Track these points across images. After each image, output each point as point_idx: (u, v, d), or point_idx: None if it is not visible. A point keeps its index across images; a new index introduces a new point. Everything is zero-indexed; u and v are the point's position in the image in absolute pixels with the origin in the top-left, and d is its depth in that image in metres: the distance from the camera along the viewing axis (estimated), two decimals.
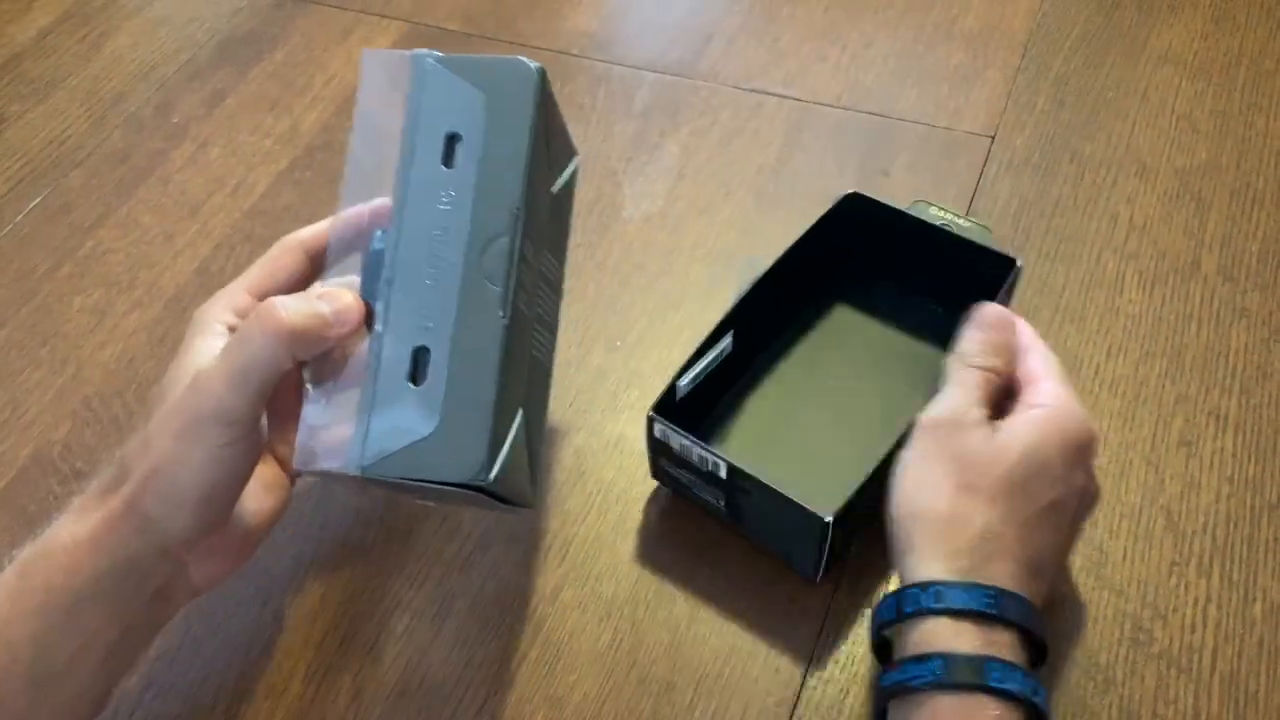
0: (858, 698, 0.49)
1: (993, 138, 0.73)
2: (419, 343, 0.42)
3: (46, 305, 0.68)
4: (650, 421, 0.52)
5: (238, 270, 0.48)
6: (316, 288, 0.46)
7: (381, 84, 0.46)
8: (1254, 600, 0.51)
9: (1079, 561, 0.53)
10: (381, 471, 0.41)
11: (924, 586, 0.42)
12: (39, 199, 0.74)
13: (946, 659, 0.40)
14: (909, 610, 0.42)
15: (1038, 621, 0.42)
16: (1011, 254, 0.57)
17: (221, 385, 0.40)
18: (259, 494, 0.47)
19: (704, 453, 0.50)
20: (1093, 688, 0.49)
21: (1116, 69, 0.76)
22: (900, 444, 0.52)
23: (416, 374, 0.42)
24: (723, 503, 0.52)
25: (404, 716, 0.49)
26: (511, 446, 0.43)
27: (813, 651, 0.50)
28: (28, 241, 0.71)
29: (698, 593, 0.53)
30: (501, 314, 0.42)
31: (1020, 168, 0.71)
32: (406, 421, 0.41)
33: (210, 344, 0.44)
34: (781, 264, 0.58)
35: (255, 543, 0.47)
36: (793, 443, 0.57)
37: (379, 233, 0.44)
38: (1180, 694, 0.48)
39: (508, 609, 0.53)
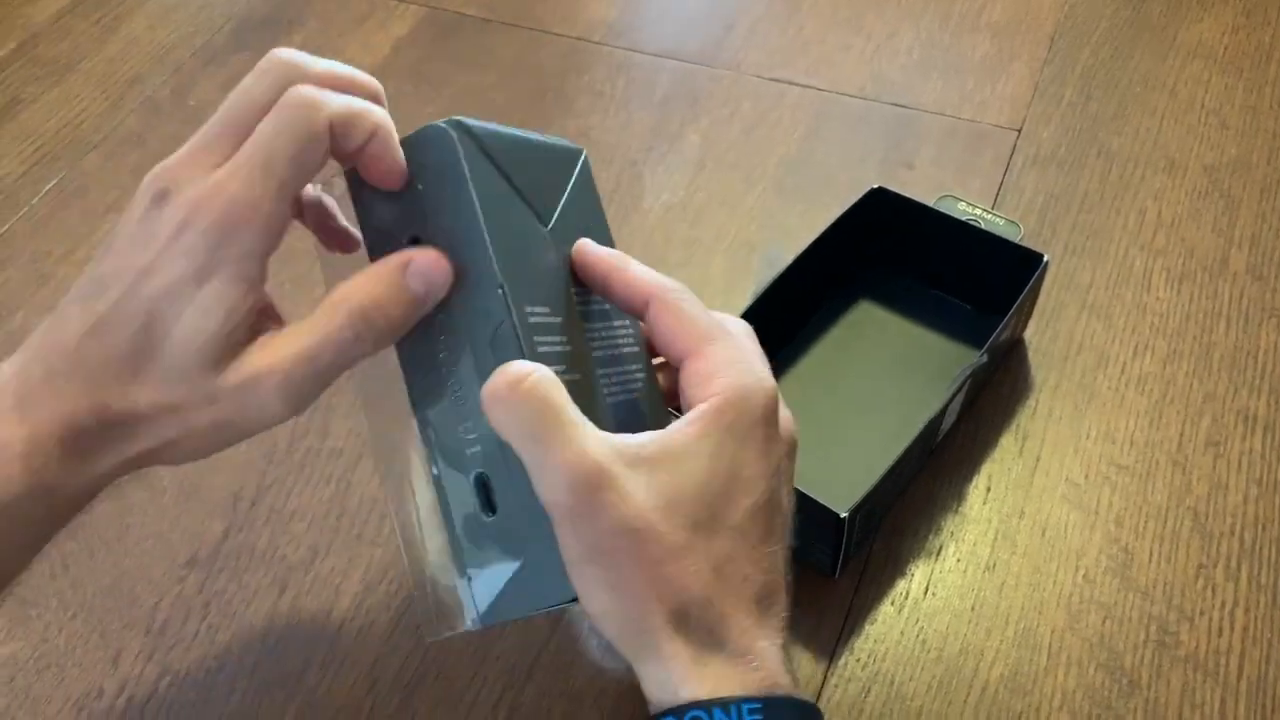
0: (879, 696, 0.48)
1: (1019, 131, 0.72)
2: (477, 470, 0.37)
3: (61, 289, 0.67)
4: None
5: None
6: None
7: None
8: None
9: (1104, 562, 0.52)
10: (497, 618, 0.38)
11: (678, 712, 0.34)
12: (54, 182, 0.73)
13: None
14: None
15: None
16: (1039, 250, 0.56)
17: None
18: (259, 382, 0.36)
19: None
20: (1117, 690, 0.48)
21: (1145, 62, 0.75)
22: (924, 440, 0.51)
23: (487, 503, 0.37)
24: None
25: (420, 708, 0.49)
26: None
27: (834, 649, 0.50)
28: (43, 225, 0.71)
29: None
30: None
31: (1046, 162, 0.70)
32: (496, 559, 0.37)
33: (244, 300, 0.35)
34: (803, 259, 0.57)
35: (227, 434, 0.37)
36: (813, 438, 0.56)
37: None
38: (1207, 698, 0.48)
39: None
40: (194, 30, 0.83)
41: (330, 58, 0.89)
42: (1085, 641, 0.49)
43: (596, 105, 0.76)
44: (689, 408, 0.37)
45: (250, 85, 0.37)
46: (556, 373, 0.36)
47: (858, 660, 0.50)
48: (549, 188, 0.41)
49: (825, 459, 0.55)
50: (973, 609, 0.51)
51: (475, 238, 0.37)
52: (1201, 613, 0.50)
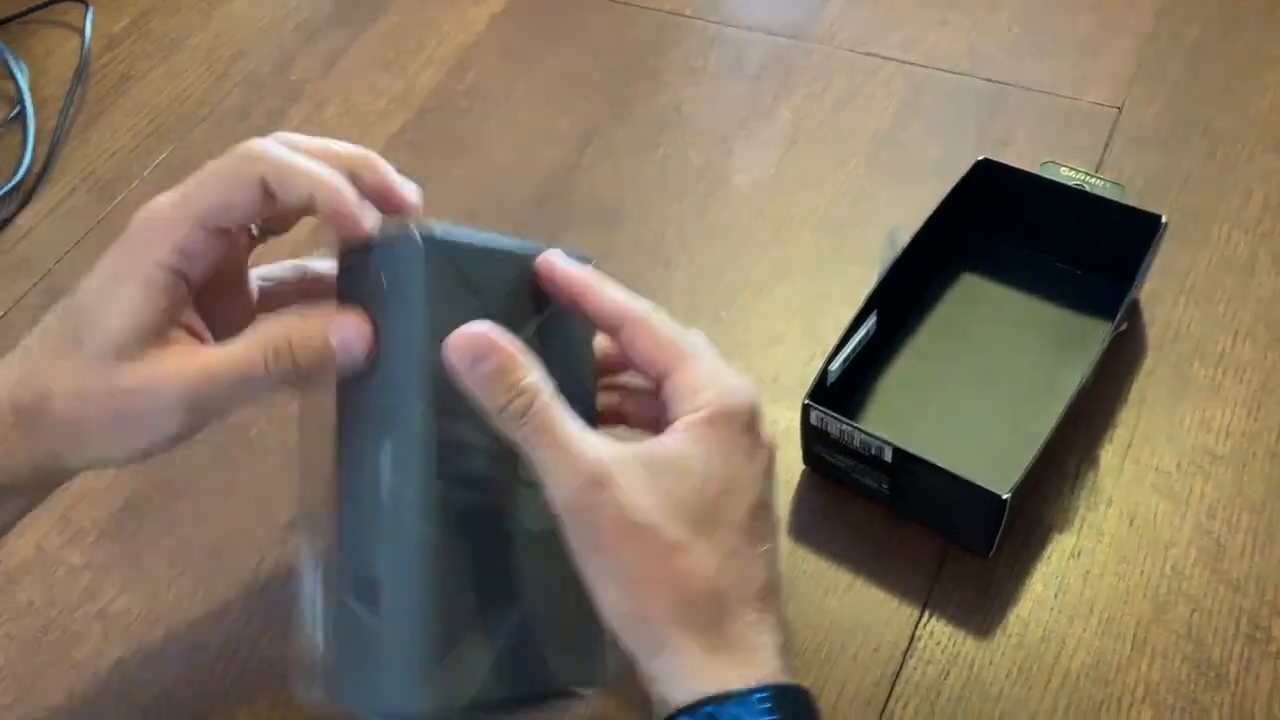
0: (958, 679, 0.48)
1: (1120, 109, 0.70)
2: (363, 573, 0.39)
3: None
4: (806, 409, 0.52)
5: None
6: None
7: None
8: None
9: (1193, 554, 0.51)
10: (349, 706, 0.39)
11: (692, 710, 0.35)
12: (164, 155, 0.76)
13: None
14: None
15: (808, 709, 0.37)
16: (1156, 211, 0.55)
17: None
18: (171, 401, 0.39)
19: (866, 437, 0.50)
20: (1204, 683, 0.47)
21: (1256, 36, 0.73)
22: (1067, 420, 0.50)
23: (370, 602, 0.38)
24: (885, 485, 0.52)
25: None
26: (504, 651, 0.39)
27: (913, 631, 0.50)
28: (153, 197, 0.73)
29: (791, 571, 0.53)
30: (422, 522, 0.38)
31: (1148, 141, 0.68)
32: (364, 652, 0.39)
33: (149, 300, 0.39)
34: (919, 236, 0.57)
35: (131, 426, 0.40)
36: (942, 418, 0.56)
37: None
38: None
39: None
40: (296, 5, 0.85)
41: (426, 34, 0.90)
42: (1172, 633, 0.49)
43: (688, 81, 0.76)
44: (674, 419, 0.38)
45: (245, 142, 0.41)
46: (465, 491, 0.38)
47: (937, 643, 0.50)
48: (526, 295, 0.40)
49: (959, 438, 0.55)
50: (1056, 596, 0.51)
51: (411, 355, 0.38)
52: None
